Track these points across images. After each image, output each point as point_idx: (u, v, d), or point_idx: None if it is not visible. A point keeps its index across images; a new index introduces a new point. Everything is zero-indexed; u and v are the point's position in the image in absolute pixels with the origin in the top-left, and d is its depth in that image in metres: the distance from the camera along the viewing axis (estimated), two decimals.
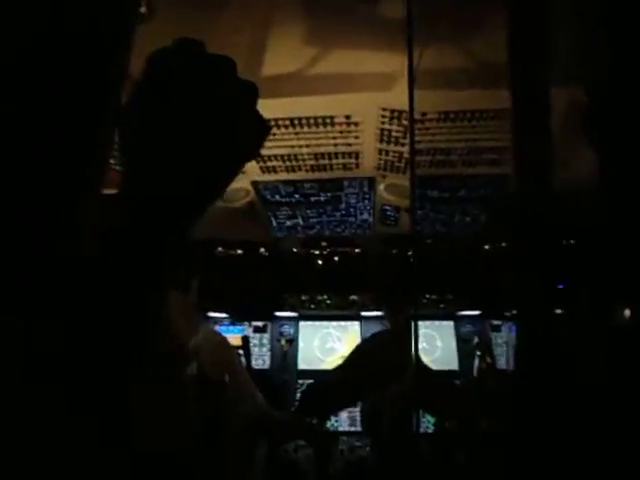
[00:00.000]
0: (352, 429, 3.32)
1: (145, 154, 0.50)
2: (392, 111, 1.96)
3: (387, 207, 2.92)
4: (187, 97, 0.50)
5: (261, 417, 2.05)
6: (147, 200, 0.50)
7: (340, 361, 3.58)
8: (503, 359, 2.90)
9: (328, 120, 2.03)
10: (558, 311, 0.74)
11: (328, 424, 3.26)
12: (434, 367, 3.49)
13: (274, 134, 2.12)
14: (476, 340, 2.30)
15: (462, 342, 3.57)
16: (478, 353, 2.27)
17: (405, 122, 2.01)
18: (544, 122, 0.77)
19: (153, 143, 0.50)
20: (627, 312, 0.73)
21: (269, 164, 2.41)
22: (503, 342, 3.20)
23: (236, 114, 0.52)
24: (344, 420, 3.36)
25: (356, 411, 3.27)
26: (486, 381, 2.13)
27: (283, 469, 2.37)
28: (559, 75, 0.80)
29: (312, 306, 3.68)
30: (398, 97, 1.80)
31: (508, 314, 2.97)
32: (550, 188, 0.74)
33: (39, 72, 0.66)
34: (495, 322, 3.48)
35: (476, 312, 3.55)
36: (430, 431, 2.33)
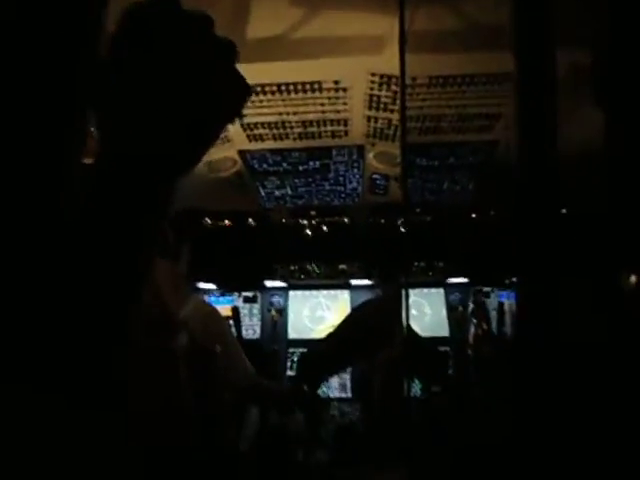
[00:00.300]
0: (343, 395, 3.38)
1: (121, 111, 0.49)
2: (381, 76, 1.91)
3: (376, 176, 2.89)
4: (162, 54, 0.49)
5: (252, 386, 2.07)
6: (126, 158, 0.49)
7: (330, 329, 3.62)
8: (492, 325, 2.94)
9: (316, 86, 1.98)
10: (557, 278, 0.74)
11: (319, 391, 3.32)
12: (424, 334, 3.55)
13: (260, 100, 2.06)
14: (471, 307, 2.32)
15: (452, 309, 3.62)
16: (474, 320, 2.30)
17: (395, 87, 1.96)
18: (549, 85, 0.74)
19: (128, 100, 0.49)
20: (630, 277, 0.73)
21: (256, 132, 2.36)
22: (492, 309, 3.24)
23: (213, 73, 0.51)
24: (335, 387, 3.41)
25: (347, 378, 3.33)
26: (482, 348, 2.17)
27: (274, 434, 2.41)
28: (562, 36, 0.77)
29: (301, 276, 3.68)
30: (388, 61, 1.75)
31: (507, 281, 3.00)
32: (555, 154, 0.72)
33: (8, 28, 0.62)
34: (485, 289, 3.52)
35: (465, 280, 3.58)
36: (419, 396, 2.38)
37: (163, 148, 0.50)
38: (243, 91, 0.54)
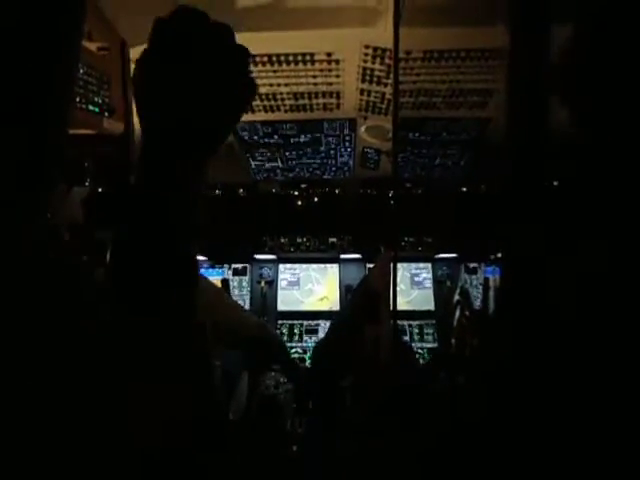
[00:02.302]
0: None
1: (160, 102, 0.65)
2: (375, 49, 1.88)
3: (368, 150, 2.88)
4: (193, 58, 0.64)
5: (260, 338, 2.08)
6: (167, 131, 0.65)
7: (319, 302, 3.66)
8: (478, 300, 2.99)
9: (308, 57, 1.94)
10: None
11: (307, 363, 3.37)
12: (411, 307, 3.61)
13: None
14: (457, 297, 2.34)
15: (438, 284, 3.67)
16: (459, 307, 2.33)
17: (388, 61, 1.93)
18: (542, 61, 0.74)
19: (166, 94, 0.65)
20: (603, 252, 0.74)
21: None
22: (479, 284, 3.29)
23: (231, 72, 0.67)
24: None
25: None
26: (465, 335, 2.21)
27: (263, 403, 2.46)
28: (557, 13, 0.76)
29: (291, 249, 3.69)
30: (382, 34, 1.72)
31: (493, 257, 3.03)
32: (545, 131, 0.72)
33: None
34: (471, 265, 3.56)
35: (454, 255, 3.62)
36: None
37: (193, 125, 0.66)
38: (252, 88, 0.71)
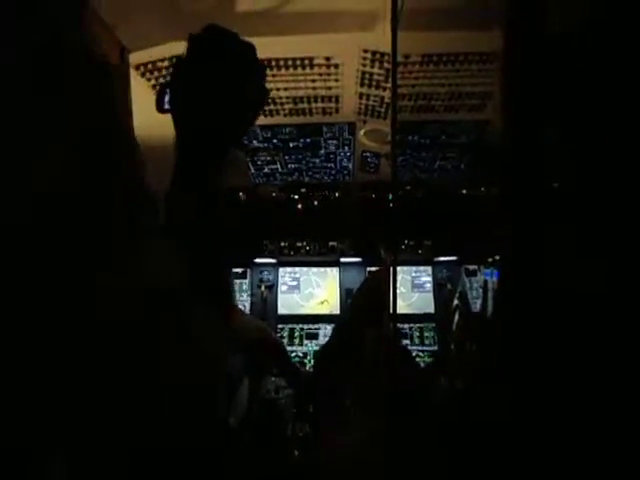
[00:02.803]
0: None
1: (192, 106, 0.79)
2: (374, 53, 1.89)
3: (367, 153, 2.88)
4: (222, 70, 0.78)
5: (260, 340, 2.06)
6: (198, 129, 0.80)
7: (320, 306, 3.65)
8: (478, 303, 2.99)
9: (307, 62, 1.95)
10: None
11: (307, 367, 3.37)
12: (411, 310, 3.60)
13: None
14: (456, 302, 2.33)
15: (438, 286, 3.66)
16: (458, 311, 2.32)
17: (387, 65, 1.94)
18: (538, 63, 0.74)
19: (198, 100, 0.79)
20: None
21: None
22: (479, 286, 3.28)
23: (252, 82, 0.81)
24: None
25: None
26: (464, 340, 2.20)
27: (264, 407, 2.45)
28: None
29: (291, 252, 3.68)
30: (380, 38, 1.72)
31: (490, 260, 3.03)
32: (540, 133, 0.73)
33: None
34: (471, 267, 3.56)
35: (454, 258, 3.61)
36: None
37: (216, 126, 0.80)
38: (265, 97, 0.88)
